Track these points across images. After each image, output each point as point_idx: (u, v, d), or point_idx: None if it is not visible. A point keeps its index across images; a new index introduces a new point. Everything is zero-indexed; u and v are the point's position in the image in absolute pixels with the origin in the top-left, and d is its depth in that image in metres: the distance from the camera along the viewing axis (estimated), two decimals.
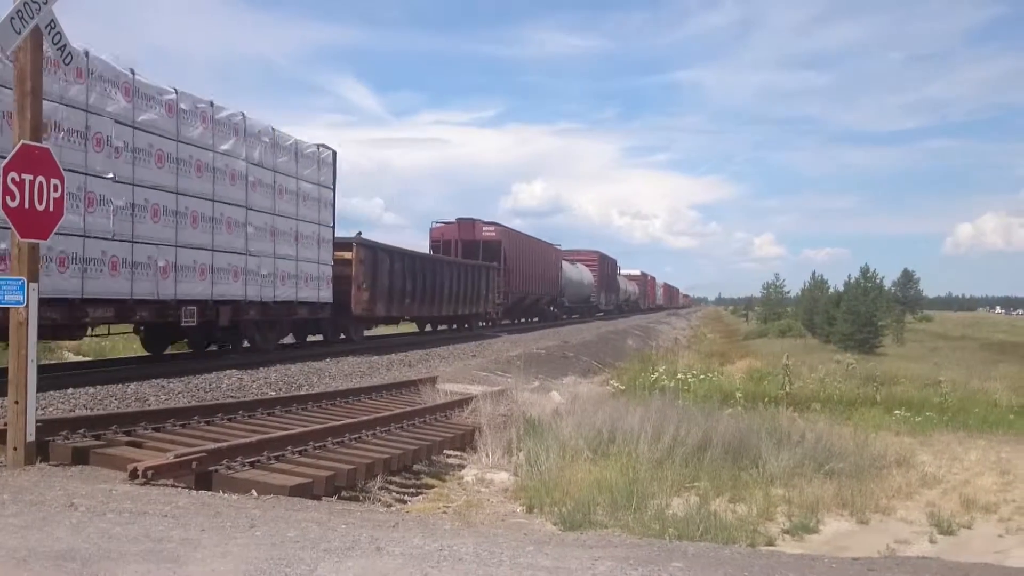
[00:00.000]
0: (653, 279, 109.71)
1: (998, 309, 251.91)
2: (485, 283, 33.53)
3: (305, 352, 19.30)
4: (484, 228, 37.12)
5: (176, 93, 14.27)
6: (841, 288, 62.89)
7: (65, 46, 7.31)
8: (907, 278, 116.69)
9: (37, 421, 7.17)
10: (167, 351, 17.41)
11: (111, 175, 12.65)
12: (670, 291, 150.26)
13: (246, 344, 18.08)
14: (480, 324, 34.82)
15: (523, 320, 46.16)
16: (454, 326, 33.11)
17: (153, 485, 6.53)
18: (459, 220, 37.12)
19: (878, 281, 61.99)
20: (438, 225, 38.00)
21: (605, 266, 63.53)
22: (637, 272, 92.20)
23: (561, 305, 51.02)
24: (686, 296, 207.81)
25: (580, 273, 54.96)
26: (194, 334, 16.68)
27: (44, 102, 7.41)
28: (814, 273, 78.75)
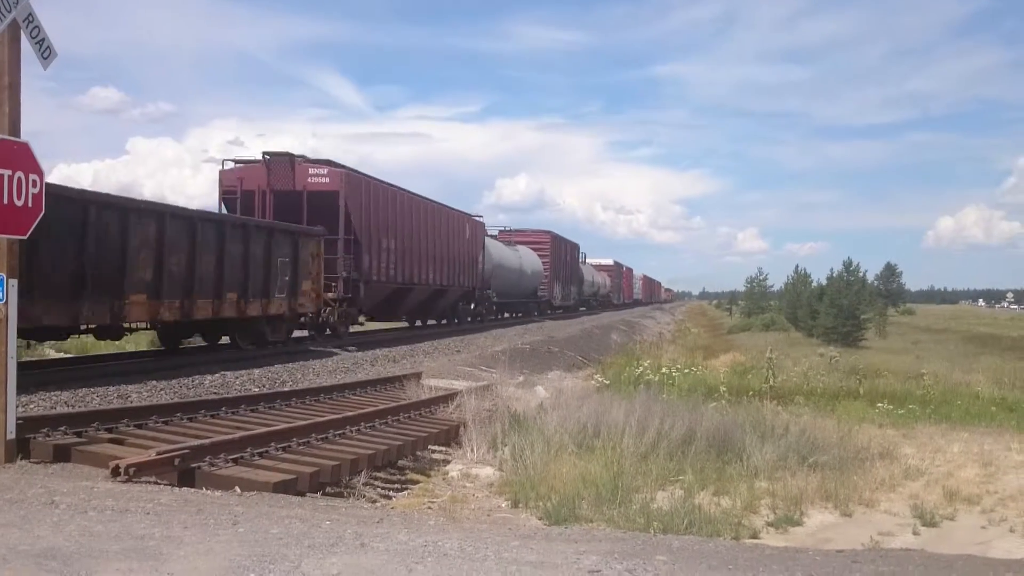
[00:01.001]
0: (629, 270, 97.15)
1: (980, 302, 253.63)
2: (293, 263, 18.70)
3: (291, 348, 19.20)
4: (311, 172, 21.79)
5: None
6: (824, 282, 63.23)
7: (44, 40, 7.24)
8: (889, 271, 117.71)
9: (18, 418, 7.12)
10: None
11: None
12: (650, 284, 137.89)
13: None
14: (302, 334, 21.39)
15: (419, 324, 32.02)
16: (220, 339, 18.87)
17: (135, 482, 6.49)
18: (268, 156, 21.98)
19: (861, 275, 62.43)
20: (235, 167, 22.38)
21: (561, 251, 50.67)
22: (609, 262, 79.45)
23: (486, 301, 35.98)
24: (668, 290, 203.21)
25: (520, 258, 41.22)
26: None
27: None
28: (797, 267, 79.20)
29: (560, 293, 50.48)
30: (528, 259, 43.17)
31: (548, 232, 48.48)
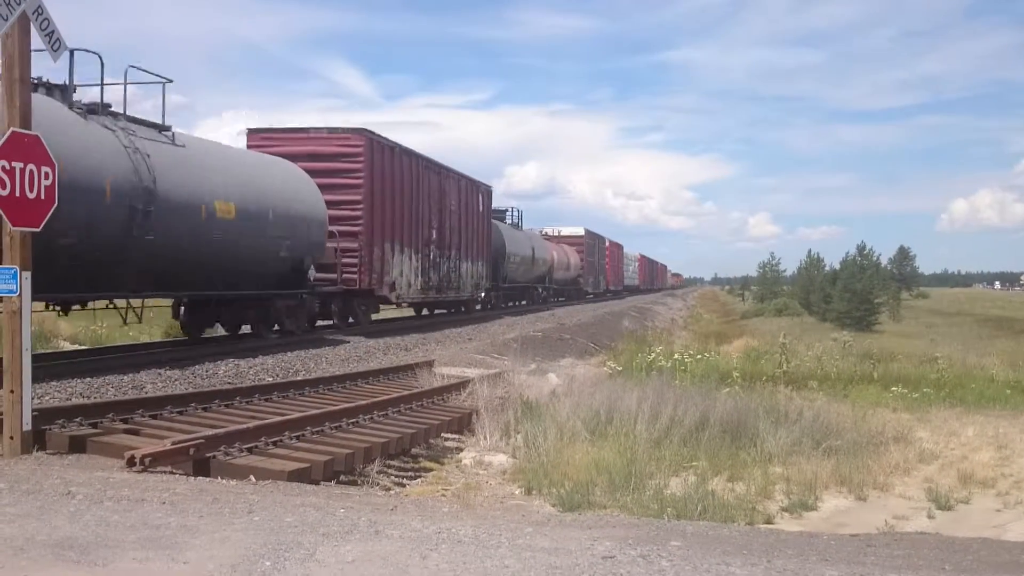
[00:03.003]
0: (617, 247, 73.64)
1: (996, 285, 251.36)
2: None
3: (304, 338, 19.26)
4: None
5: None
6: (837, 266, 63.00)
7: (53, 32, 7.25)
8: (903, 255, 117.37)
9: (33, 410, 7.17)
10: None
11: None
12: (651, 267, 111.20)
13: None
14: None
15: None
16: None
17: (151, 472, 6.53)
18: None
19: (874, 258, 62.19)
20: None
21: (405, 180, 23.25)
22: (578, 231, 56.09)
23: None
24: (677, 275, 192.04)
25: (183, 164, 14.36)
26: None
27: None
28: (810, 251, 78.37)
29: (416, 276, 24.12)
30: (258, 186, 16.70)
31: (362, 135, 20.99)
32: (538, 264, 41.84)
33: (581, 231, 56.56)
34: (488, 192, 32.20)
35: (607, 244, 66.96)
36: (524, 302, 41.41)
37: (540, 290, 44.49)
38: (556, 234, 53.36)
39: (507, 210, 39.86)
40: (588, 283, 57.18)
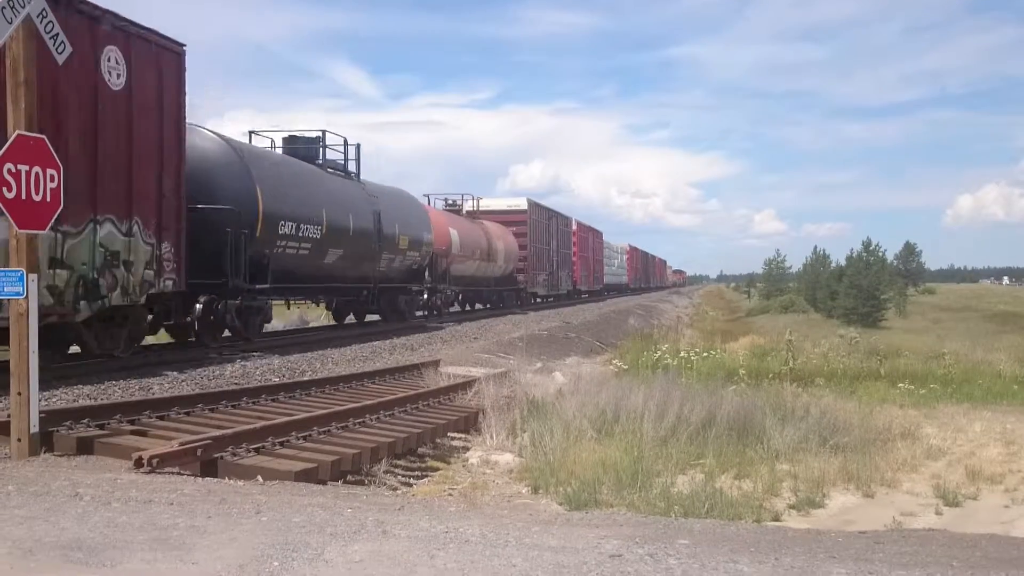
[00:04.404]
0: (593, 234, 56.53)
1: (1005, 280, 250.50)
2: None
3: (308, 338, 19.30)
4: None
5: None
6: (843, 262, 62.89)
7: (58, 35, 7.27)
8: (909, 251, 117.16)
9: (40, 412, 7.19)
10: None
11: None
12: (644, 262, 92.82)
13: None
14: None
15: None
16: None
17: (158, 473, 6.55)
18: None
19: (880, 254, 62.11)
20: None
21: None
22: (517, 205, 38.31)
23: None
24: (679, 272, 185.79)
25: None
26: None
27: None
28: (816, 248, 78.19)
29: None
30: None
31: None
32: (398, 248, 22.71)
33: (522, 204, 38.36)
34: (176, 55, 13.47)
35: (574, 227, 49.13)
36: (366, 319, 24.62)
37: (422, 295, 25.68)
38: (473, 208, 35.18)
39: (316, 136, 20.49)
40: (536, 281, 39.49)
